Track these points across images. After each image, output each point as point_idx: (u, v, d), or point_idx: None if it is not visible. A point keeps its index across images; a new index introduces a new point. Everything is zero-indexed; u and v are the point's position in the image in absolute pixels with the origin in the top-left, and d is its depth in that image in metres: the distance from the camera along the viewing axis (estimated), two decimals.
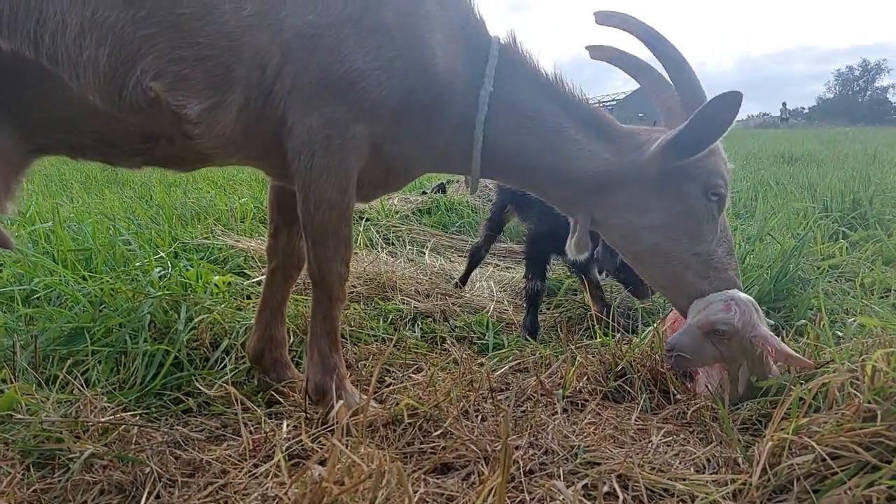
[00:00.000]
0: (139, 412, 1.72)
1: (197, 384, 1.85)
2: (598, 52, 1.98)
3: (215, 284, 2.45)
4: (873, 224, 4.27)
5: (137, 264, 2.56)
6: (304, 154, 1.57)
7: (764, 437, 1.40)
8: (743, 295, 1.73)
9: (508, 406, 1.56)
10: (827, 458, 1.24)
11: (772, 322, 2.04)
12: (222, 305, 2.27)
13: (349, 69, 1.53)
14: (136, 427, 1.58)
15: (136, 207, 4.24)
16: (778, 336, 1.70)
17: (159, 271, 2.43)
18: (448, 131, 1.76)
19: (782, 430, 1.35)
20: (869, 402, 1.32)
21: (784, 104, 51.57)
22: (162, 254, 2.72)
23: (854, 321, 1.90)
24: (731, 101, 1.53)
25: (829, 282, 2.95)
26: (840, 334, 2.01)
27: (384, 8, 1.57)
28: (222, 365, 2.02)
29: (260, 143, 1.63)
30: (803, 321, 2.32)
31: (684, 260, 1.79)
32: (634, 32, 1.81)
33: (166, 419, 1.73)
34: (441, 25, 1.66)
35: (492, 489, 1.15)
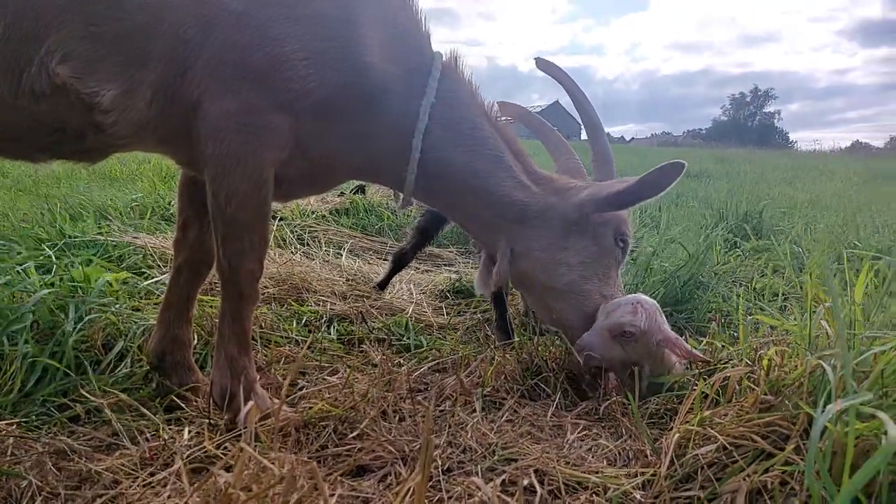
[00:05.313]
0: (16, 421, 1.54)
1: (83, 391, 1.68)
2: (506, 110, 2.23)
3: (108, 283, 2.26)
4: (765, 235, 4.62)
5: (14, 261, 2.31)
6: (215, 141, 1.46)
7: (671, 429, 1.45)
8: (648, 298, 1.81)
9: (429, 405, 1.53)
10: (728, 446, 1.30)
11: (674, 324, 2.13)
12: (117, 305, 2.09)
13: (275, 54, 1.44)
14: (11, 437, 1.41)
15: (17, 200, 3.86)
16: (682, 336, 1.78)
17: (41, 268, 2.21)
18: (381, 137, 1.69)
19: (687, 422, 1.41)
20: (765, 394, 1.40)
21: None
22: (46, 250, 2.47)
23: (750, 318, 2.03)
24: (678, 168, 1.71)
25: (726, 286, 3.16)
26: (735, 335, 2.14)
27: None
28: (116, 369, 1.85)
29: (170, 126, 1.50)
30: (702, 322, 2.46)
31: (596, 301, 1.85)
32: (565, 86, 2.05)
33: (49, 428, 1.55)
34: (382, 28, 1.61)
35: (410, 489, 1.11)
